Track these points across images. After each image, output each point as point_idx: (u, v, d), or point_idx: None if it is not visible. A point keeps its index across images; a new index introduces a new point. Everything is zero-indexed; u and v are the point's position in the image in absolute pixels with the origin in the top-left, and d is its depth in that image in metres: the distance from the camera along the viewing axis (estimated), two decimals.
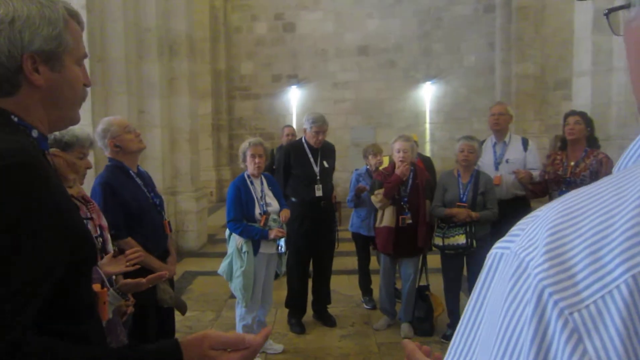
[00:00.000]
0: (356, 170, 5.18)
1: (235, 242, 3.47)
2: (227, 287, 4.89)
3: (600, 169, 3.70)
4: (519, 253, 0.42)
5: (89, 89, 1.08)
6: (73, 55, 0.98)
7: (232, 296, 4.84)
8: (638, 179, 0.41)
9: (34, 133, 0.94)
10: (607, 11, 0.61)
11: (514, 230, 0.46)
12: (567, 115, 4.00)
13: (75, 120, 1.05)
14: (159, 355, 0.93)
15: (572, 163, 3.86)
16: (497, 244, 0.47)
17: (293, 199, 4.25)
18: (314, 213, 4.23)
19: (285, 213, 3.67)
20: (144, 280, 1.73)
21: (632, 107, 5.37)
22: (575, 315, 0.37)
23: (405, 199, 4.09)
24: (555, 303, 0.38)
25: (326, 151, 4.44)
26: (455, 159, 4.12)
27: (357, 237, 4.91)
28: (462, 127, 9.99)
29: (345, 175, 9.32)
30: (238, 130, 11.63)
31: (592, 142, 3.92)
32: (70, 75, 0.98)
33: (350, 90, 11.18)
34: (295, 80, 11.29)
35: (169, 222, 2.95)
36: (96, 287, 1.41)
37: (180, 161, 6.98)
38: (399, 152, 4.09)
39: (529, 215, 0.47)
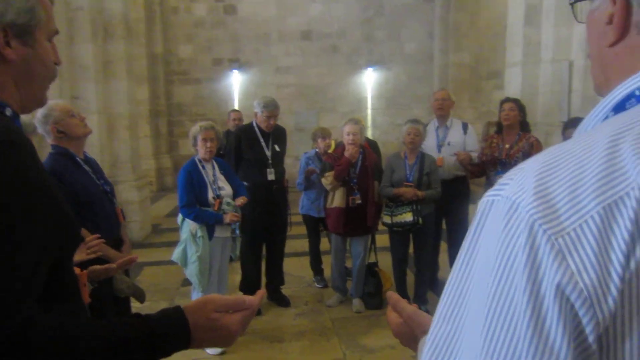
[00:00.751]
0: (305, 153, 5.26)
1: (189, 227, 3.45)
2: (178, 275, 4.88)
3: (531, 151, 4.02)
4: (510, 197, 0.50)
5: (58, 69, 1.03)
6: (45, 30, 0.95)
7: (185, 284, 4.83)
8: (600, 138, 0.52)
9: (8, 111, 0.90)
10: (572, 0, 0.73)
11: (504, 180, 0.54)
12: (502, 102, 4.29)
13: (43, 101, 1.01)
14: (165, 322, 0.93)
15: (507, 146, 4.16)
16: (489, 193, 0.54)
17: (245, 183, 4.27)
18: (267, 197, 4.28)
19: (242, 199, 3.70)
20: (114, 265, 1.71)
21: (557, 96, 5.83)
22: (560, 239, 0.47)
23: (355, 181, 4.24)
24: (544, 231, 0.47)
25: (277, 135, 4.49)
26: (400, 141, 4.31)
27: (307, 219, 5.02)
28: (402, 113, 10.31)
29: (290, 160, 9.40)
30: (178, 117, 11.34)
31: (524, 126, 4.24)
32: (43, 51, 0.95)
33: (293, 75, 11.19)
34: (237, 64, 11.13)
35: (121, 209, 2.87)
36: (76, 269, 1.40)
37: (120, 149, 6.71)
38: (348, 135, 4.22)
39: (515, 168, 0.56)
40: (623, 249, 0.45)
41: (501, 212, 0.50)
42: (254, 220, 4.19)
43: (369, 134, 10.95)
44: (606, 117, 0.60)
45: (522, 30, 6.06)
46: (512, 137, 4.18)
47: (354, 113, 10.62)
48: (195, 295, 3.66)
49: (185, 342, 0.94)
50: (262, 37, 11.13)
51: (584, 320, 0.45)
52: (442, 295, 0.56)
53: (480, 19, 10.33)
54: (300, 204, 5.08)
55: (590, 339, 0.45)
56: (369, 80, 11.31)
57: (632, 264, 0.45)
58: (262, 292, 1.06)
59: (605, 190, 0.47)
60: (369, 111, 11.38)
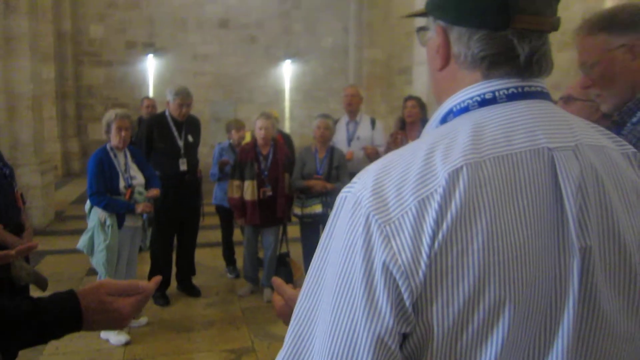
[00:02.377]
0: (219, 144, 5.27)
1: (97, 215, 3.38)
2: (83, 264, 4.72)
3: None
4: (355, 193, 0.64)
5: None
6: None
7: (90, 273, 4.69)
8: (423, 146, 0.67)
9: None
10: (417, 29, 0.90)
11: (355, 179, 0.68)
12: (405, 100, 4.61)
13: None
14: (56, 304, 0.95)
15: (410, 141, 4.47)
16: (344, 189, 0.68)
17: (157, 173, 4.23)
18: (179, 187, 4.27)
19: (154, 191, 3.67)
20: (12, 252, 1.69)
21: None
22: (387, 227, 0.61)
23: (266, 173, 4.35)
24: (376, 220, 0.60)
25: (191, 125, 4.47)
26: (312, 135, 4.49)
27: (220, 210, 5.06)
28: (319, 106, 10.53)
29: (206, 150, 9.27)
30: (87, 100, 10.73)
31: (425, 123, 4.57)
32: None
33: (210, 63, 10.99)
34: (152, 48, 10.73)
35: (21, 194, 2.77)
36: None
37: (21, 131, 6.30)
38: (260, 129, 4.33)
39: (363, 169, 0.69)
40: (430, 233, 0.59)
41: (349, 206, 0.64)
42: (166, 210, 4.17)
43: (287, 126, 11.09)
44: (437, 127, 0.75)
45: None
46: (415, 133, 4.49)
47: (272, 105, 10.69)
48: None
49: (77, 324, 0.97)
50: (178, 22, 10.81)
51: (402, 289, 0.59)
52: (306, 276, 0.68)
53: (392, 16, 10.78)
54: (213, 195, 5.11)
55: (407, 303, 0.59)
56: (287, 73, 11.39)
57: (436, 245, 0.59)
58: (157, 278, 1.09)
59: (420, 187, 0.61)
60: (287, 103, 11.48)
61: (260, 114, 4.48)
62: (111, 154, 3.52)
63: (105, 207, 3.39)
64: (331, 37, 11.46)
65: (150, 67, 10.78)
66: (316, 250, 0.68)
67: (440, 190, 0.60)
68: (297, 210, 4.37)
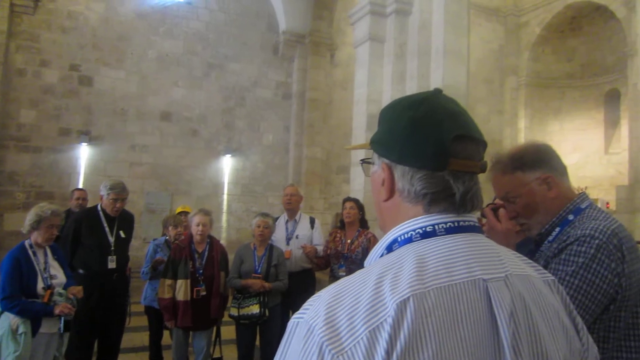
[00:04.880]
0: (154, 240, 5.06)
1: (8, 322, 3.02)
2: None
3: (369, 246, 4.42)
4: (308, 321, 0.66)
5: None
6: None
7: None
8: (372, 275, 0.71)
9: None
10: (361, 161, 0.97)
11: (306, 305, 0.71)
12: (344, 201, 4.72)
13: None
14: None
15: (349, 241, 4.53)
16: (295, 315, 0.70)
17: (81, 271, 3.93)
18: (105, 286, 3.98)
19: (76, 289, 3.38)
20: None
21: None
22: (340, 357, 0.63)
23: (201, 271, 4.18)
24: (329, 351, 0.63)
25: (124, 220, 4.29)
26: (251, 233, 4.43)
27: (150, 311, 4.72)
28: (258, 200, 10.56)
29: (138, 243, 8.87)
30: (7, 186, 10.09)
31: (363, 223, 4.69)
32: None
33: (149, 154, 10.87)
34: (87, 137, 10.48)
35: None
36: None
37: None
38: (197, 225, 4.23)
39: (315, 295, 0.72)
40: None
41: (301, 333, 0.66)
42: (88, 312, 3.83)
43: (224, 219, 10.93)
44: (382, 254, 0.80)
45: (365, 135, 6.85)
46: (353, 233, 4.57)
47: (210, 197, 10.59)
48: None
49: None
50: (118, 112, 10.76)
51: None
52: None
53: (331, 118, 11.42)
54: (143, 294, 4.79)
55: None
56: (227, 166, 11.47)
57: None
58: None
59: (371, 317, 0.64)
60: (225, 197, 11.42)
61: (198, 210, 4.41)
62: (30, 252, 3.24)
63: (19, 313, 3.05)
64: (272, 135, 11.83)
65: (83, 155, 10.47)
66: None
67: (389, 320, 0.63)
68: (233, 312, 4.16)
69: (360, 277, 0.71)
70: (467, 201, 0.79)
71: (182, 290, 4.08)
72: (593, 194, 13.30)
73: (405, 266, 0.70)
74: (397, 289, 0.66)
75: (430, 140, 0.78)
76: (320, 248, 4.70)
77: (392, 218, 0.83)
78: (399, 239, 0.79)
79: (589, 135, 14.11)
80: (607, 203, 12.57)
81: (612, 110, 13.79)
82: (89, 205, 5.40)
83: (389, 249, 0.80)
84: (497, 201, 1.54)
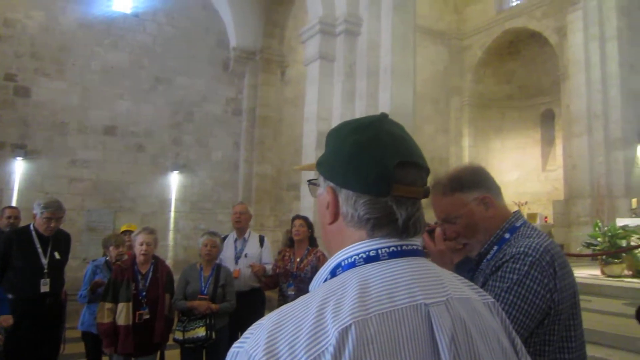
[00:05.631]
0: (93, 261, 4.79)
1: None
2: None
3: (318, 264, 4.39)
4: (248, 350, 0.65)
5: None
6: None
7: None
8: (314, 301, 0.70)
9: None
10: (308, 182, 0.95)
11: (246, 333, 0.70)
12: (294, 219, 4.68)
13: None
14: None
15: (298, 259, 4.48)
16: (235, 344, 0.69)
17: (10, 296, 3.66)
18: (37, 312, 3.72)
19: (3, 318, 3.14)
20: None
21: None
22: None
23: (144, 294, 3.99)
24: None
25: (59, 241, 4.05)
26: (198, 253, 4.30)
27: (87, 337, 4.45)
28: (206, 218, 10.32)
29: (76, 264, 8.41)
30: None
31: (312, 241, 4.66)
32: None
33: (91, 169, 10.40)
34: (23, 151, 9.92)
35: None
36: None
37: None
38: (141, 244, 4.05)
39: (256, 323, 0.71)
40: None
41: None
42: (18, 342, 3.55)
43: (170, 237, 10.60)
44: (326, 279, 0.80)
45: (314, 153, 6.88)
46: (302, 251, 4.52)
47: (156, 215, 10.26)
48: None
49: None
50: (58, 125, 10.26)
51: None
52: None
53: (282, 135, 11.41)
54: (80, 319, 4.51)
55: None
56: (174, 183, 11.17)
57: None
58: None
59: (312, 346, 0.64)
60: (172, 214, 11.09)
61: (142, 229, 4.22)
62: None
63: None
64: (222, 151, 11.66)
65: (18, 170, 9.88)
66: None
67: (330, 349, 0.63)
68: (178, 335, 3.99)
69: (302, 303, 0.71)
70: (409, 226, 0.80)
71: (123, 314, 3.87)
72: (533, 209, 13.97)
73: (348, 292, 0.70)
74: (339, 316, 0.66)
75: (374, 166, 0.79)
76: (269, 267, 4.62)
77: (337, 242, 0.83)
78: (343, 264, 0.79)
79: (528, 153, 14.86)
80: (546, 217, 13.23)
81: (548, 129, 14.62)
82: (23, 224, 5.07)
83: (333, 273, 0.79)
84: (431, 224, 1.57)
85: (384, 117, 0.87)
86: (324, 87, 7.28)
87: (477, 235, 1.52)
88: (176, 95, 11.23)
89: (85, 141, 10.40)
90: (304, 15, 9.15)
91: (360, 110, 7.08)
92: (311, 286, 0.82)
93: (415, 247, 0.81)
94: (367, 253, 0.78)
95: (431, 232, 1.52)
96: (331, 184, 0.83)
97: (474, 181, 1.52)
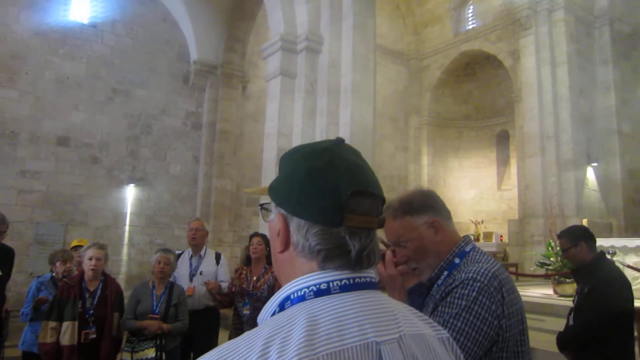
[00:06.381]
0: (37, 277, 4.58)
1: None
2: None
3: (275, 284, 4.35)
4: None
5: None
6: None
7: None
8: (259, 337, 0.67)
9: None
10: (259, 206, 0.92)
11: None
12: (252, 236, 4.63)
13: None
14: None
15: (255, 278, 4.42)
16: None
17: None
18: None
19: None
20: None
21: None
22: None
23: (91, 312, 3.83)
24: None
25: (1, 256, 3.85)
26: (151, 270, 4.18)
27: (28, 357, 4.23)
28: (163, 232, 10.07)
29: (21, 278, 8.01)
30: None
31: (270, 260, 4.60)
32: None
33: (41, 181, 9.97)
34: None
35: None
36: None
37: None
38: (90, 259, 3.90)
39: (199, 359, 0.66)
40: None
41: None
42: None
43: (125, 252, 10.27)
44: (274, 312, 0.76)
45: (275, 169, 6.86)
46: (259, 270, 4.47)
47: (109, 229, 9.94)
48: None
49: None
50: (7, 135, 9.82)
51: None
52: None
53: (242, 150, 11.33)
54: (22, 338, 4.29)
55: None
56: (130, 196, 10.85)
57: None
58: None
59: None
60: (127, 228, 10.76)
61: (91, 243, 4.08)
62: None
63: None
64: (180, 165, 11.45)
65: None
66: None
67: None
68: (126, 356, 3.84)
69: (246, 340, 0.67)
70: (363, 258, 0.77)
71: (68, 333, 3.70)
72: (489, 228, 14.36)
73: (295, 329, 0.67)
74: (285, 356, 0.63)
75: (327, 194, 0.76)
76: (224, 284, 4.54)
77: (287, 272, 0.80)
78: (292, 297, 0.75)
79: (484, 173, 15.32)
80: (501, 236, 13.62)
81: (503, 149, 15.14)
82: None
83: (282, 306, 0.76)
84: (382, 248, 1.58)
85: (339, 142, 0.84)
86: (285, 103, 7.30)
87: (426, 259, 1.52)
88: (134, 107, 10.98)
89: (37, 152, 9.99)
90: (266, 31, 9.20)
91: (321, 127, 7.13)
92: (259, 319, 0.79)
93: (369, 279, 0.78)
94: (317, 286, 0.75)
95: (382, 257, 1.51)
96: (282, 211, 0.80)
97: (424, 205, 1.53)
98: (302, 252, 0.78)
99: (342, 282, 0.75)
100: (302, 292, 0.75)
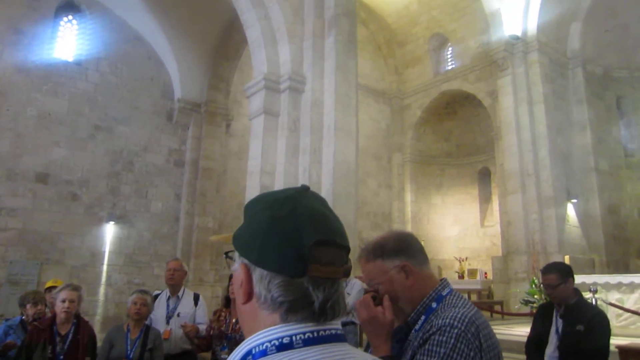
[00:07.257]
0: (6, 321, 4.40)
1: None
2: None
3: None
4: None
5: None
6: None
7: None
8: None
9: None
10: (225, 254, 0.89)
11: None
12: (231, 277, 4.53)
13: None
14: None
15: (234, 320, 4.29)
16: None
17: None
18: None
19: None
20: None
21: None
22: None
23: (61, 357, 3.67)
24: None
25: None
26: (127, 312, 4.04)
27: None
28: (142, 272, 9.85)
29: None
30: None
31: None
32: None
33: (17, 218, 9.73)
34: None
35: None
36: None
37: None
38: (63, 302, 3.76)
39: None
40: None
41: None
42: None
43: (102, 292, 9.98)
44: None
45: None
46: None
47: (86, 268, 9.69)
48: None
49: None
50: None
51: None
52: None
53: (225, 188, 11.27)
54: None
55: None
56: (109, 234, 10.63)
57: None
58: None
59: None
60: (105, 267, 10.47)
61: (65, 285, 3.94)
62: None
63: None
64: (162, 202, 11.32)
65: None
66: None
67: None
68: None
69: None
70: (327, 309, 0.75)
71: None
72: (473, 264, 14.35)
73: None
74: None
75: (289, 244, 0.74)
76: (202, 327, 4.39)
77: (250, 324, 0.77)
78: (254, 351, 0.72)
79: (467, 209, 15.43)
80: (485, 273, 13.59)
81: (485, 186, 15.33)
82: None
83: None
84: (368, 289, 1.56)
85: (304, 190, 0.82)
86: (268, 141, 7.33)
87: (399, 302, 1.51)
88: (116, 144, 10.92)
89: (14, 188, 9.79)
90: (250, 69, 9.33)
91: (304, 165, 7.15)
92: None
93: (334, 331, 0.76)
94: (279, 340, 0.72)
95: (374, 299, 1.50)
96: (245, 261, 0.78)
97: (396, 249, 1.52)
98: (265, 304, 0.75)
99: (306, 336, 0.73)
100: (264, 347, 0.72)
